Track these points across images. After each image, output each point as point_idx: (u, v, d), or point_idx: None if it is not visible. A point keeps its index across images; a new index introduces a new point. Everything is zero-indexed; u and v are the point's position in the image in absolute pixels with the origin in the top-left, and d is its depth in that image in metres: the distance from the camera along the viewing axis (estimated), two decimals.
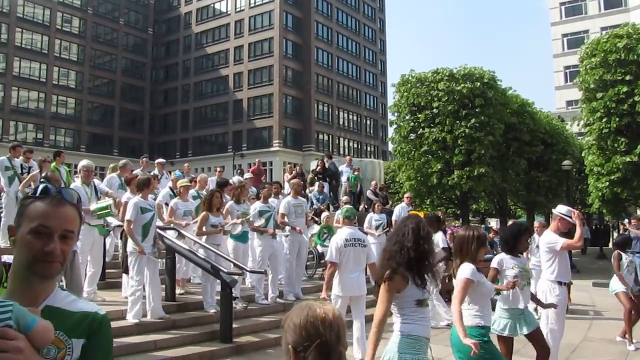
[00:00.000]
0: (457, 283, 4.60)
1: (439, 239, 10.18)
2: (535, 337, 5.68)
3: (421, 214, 3.62)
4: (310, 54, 64.84)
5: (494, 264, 5.76)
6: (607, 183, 20.90)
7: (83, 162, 9.03)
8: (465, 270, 4.59)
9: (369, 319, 8.58)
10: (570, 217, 6.73)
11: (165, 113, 72.95)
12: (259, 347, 8.12)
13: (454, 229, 20.74)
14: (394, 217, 14.08)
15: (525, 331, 5.57)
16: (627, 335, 8.73)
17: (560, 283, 6.61)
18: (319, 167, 20.18)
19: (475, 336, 4.35)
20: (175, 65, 72.77)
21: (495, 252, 15.82)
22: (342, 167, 20.55)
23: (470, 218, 31.78)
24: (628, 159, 20.04)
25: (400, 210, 14.30)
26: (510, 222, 15.26)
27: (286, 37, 63.54)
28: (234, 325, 8.11)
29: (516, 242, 5.76)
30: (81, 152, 56.70)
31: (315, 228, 13.45)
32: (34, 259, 1.69)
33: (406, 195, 15.66)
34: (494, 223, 43.81)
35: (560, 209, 6.90)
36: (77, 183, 8.86)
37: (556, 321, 6.53)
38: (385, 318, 3.46)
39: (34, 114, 59.22)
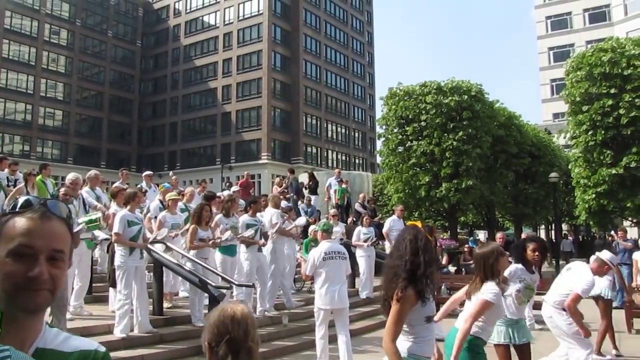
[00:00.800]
0: (478, 302, 4.47)
1: None
2: (523, 352, 5.62)
3: (418, 224, 3.56)
4: (298, 66, 65.01)
5: (505, 272, 5.69)
6: (594, 195, 21.05)
7: (70, 176, 8.98)
8: (490, 291, 4.46)
9: (351, 333, 8.61)
10: (613, 265, 6.76)
11: (154, 125, 72.73)
12: None
13: (443, 242, 20.83)
14: (385, 230, 14.07)
15: (517, 340, 5.51)
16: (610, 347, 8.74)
17: (564, 309, 6.38)
18: (308, 181, 20.29)
19: (468, 343, 4.37)
20: (163, 77, 72.67)
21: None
22: (331, 180, 20.59)
23: (458, 230, 31.87)
24: (614, 171, 20.22)
25: (391, 222, 14.29)
26: (498, 235, 15.32)
27: (275, 50, 63.68)
28: None
29: (522, 251, 5.77)
30: (68, 164, 56.41)
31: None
32: (15, 288, 1.36)
33: (398, 207, 15.64)
34: (482, 235, 43.97)
35: (607, 255, 6.85)
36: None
37: (581, 342, 6.34)
38: (397, 337, 3.28)
39: (21, 126, 58.87)
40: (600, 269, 6.64)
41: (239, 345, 2.07)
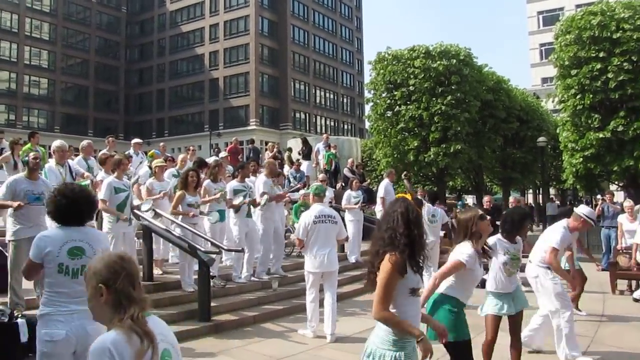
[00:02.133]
0: (450, 261, 4.58)
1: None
2: (514, 322, 5.71)
3: (408, 196, 3.56)
4: (286, 31, 64.40)
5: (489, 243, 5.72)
6: (581, 159, 21.15)
7: (56, 143, 8.90)
8: (463, 252, 4.54)
9: (340, 296, 8.70)
10: (593, 220, 6.73)
11: (141, 93, 72.11)
12: (237, 325, 8.15)
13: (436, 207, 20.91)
14: (381, 194, 14.01)
15: (512, 311, 5.61)
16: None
17: (549, 268, 6.57)
18: (301, 146, 20.30)
19: (445, 304, 4.42)
20: (150, 44, 71.81)
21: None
22: (319, 145, 20.55)
23: (447, 195, 32.04)
24: (601, 135, 20.29)
25: (385, 185, 14.21)
26: (485, 198, 15.40)
27: (262, 15, 62.99)
28: (212, 304, 8.13)
29: (519, 226, 5.75)
30: (55, 133, 55.94)
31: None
32: None
33: (391, 171, 15.56)
34: (470, 200, 44.29)
35: (584, 210, 6.79)
36: (51, 164, 8.73)
37: (562, 303, 6.51)
38: (388, 306, 3.22)
39: (6, 95, 58.14)
40: (576, 224, 6.68)
41: (134, 280, 2.36)
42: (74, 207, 3.77)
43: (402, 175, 19.22)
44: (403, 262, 3.23)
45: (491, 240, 5.65)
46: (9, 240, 6.77)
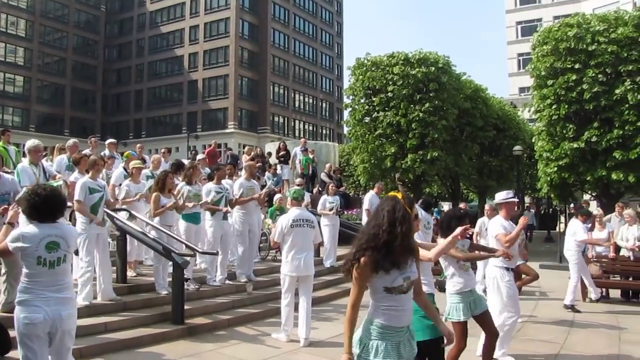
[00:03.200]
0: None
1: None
2: (484, 319, 5.82)
3: (399, 195, 3.57)
4: (266, 35, 64.39)
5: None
6: (556, 168, 21.36)
7: (30, 142, 8.79)
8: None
9: (315, 301, 8.71)
10: (513, 197, 6.96)
11: (118, 93, 71.55)
12: (210, 329, 8.13)
13: None
14: (365, 206, 14.05)
15: (476, 311, 5.74)
16: None
17: (507, 269, 6.79)
18: (281, 151, 20.30)
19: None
20: (128, 44, 71.31)
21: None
22: (296, 149, 20.59)
23: (432, 202, 32.19)
24: (575, 145, 20.52)
25: (370, 197, 14.25)
26: (461, 205, 15.53)
27: (242, 18, 62.89)
28: (186, 307, 8.10)
29: (449, 227, 5.70)
30: (30, 131, 55.24)
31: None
32: None
33: (378, 184, 15.60)
34: (446, 207, 44.52)
35: (500, 196, 7.06)
36: (24, 163, 8.61)
37: (512, 306, 6.71)
38: (358, 301, 3.34)
39: None
40: (504, 211, 6.90)
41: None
42: (46, 205, 4.21)
43: (397, 179, 19.34)
44: (373, 262, 3.28)
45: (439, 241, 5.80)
46: None
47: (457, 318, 5.68)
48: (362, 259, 3.30)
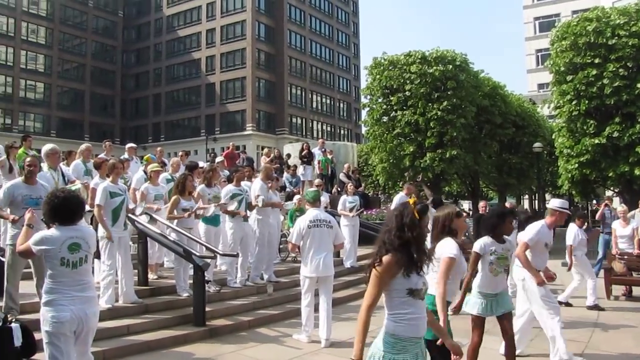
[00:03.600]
0: (442, 262, 4.63)
1: None
2: (504, 321, 5.70)
3: (410, 201, 3.58)
4: (283, 36, 64.48)
5: (476, 248, 5.72)
6: (577, 165, 21.15)
7: (47, 147, 8.89)
8: (450, 248, 4.65)
9: (335, 301, 8.68)
10: (566, 209, 6.75)
11: (137, 97, 72.09)
12: (232, 330, 8.14)
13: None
14: (392, 208, 13.94)
15: (497, 312, 5.64)
16: None
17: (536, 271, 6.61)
18: (304, 151, 20.26)
19: (431, 304, 4.48)
20: (146, 48, 71.81)
21: (467, 234, 15.94)
22: (314, 150, 20.57)
23: (443, 200, 32.07)
24: (597, 141, 20.29)
25: (399, 199, 14.12)
26: (480, 204, 15.40)
27: (258, 20, 63.04)
28: (207, 309, 8.11)
29: (500, 222, 5.71)
30: (51, 137, 55.77)
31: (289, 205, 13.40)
32: None
33: (406, 185, 15.45)
34: (466, 205, 44.30)
35: (555, 202, 6.85)
36: (44, 168, 8.67)
37: (550, 306, 6.52)
38: (374, 304, 3.27)
39: (2, 99, 58.11)
40: (553, 218, 6.71)
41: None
42: (66, 208, 4.38)
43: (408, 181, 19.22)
44: (397, 263, 3.26)
45: (479, 243, 5.72)
46: (7, 245, 6.73)
47: (469, 311, 5.66)
48: (387, 258, 3.27)
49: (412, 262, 3.32)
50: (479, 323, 5.64)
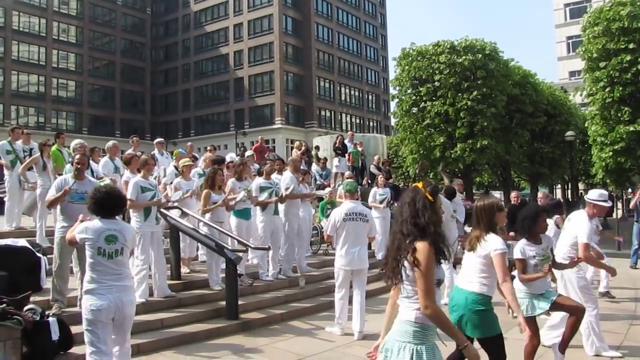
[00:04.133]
0: (496, 258, 4.42)
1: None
2: (561, 303, 5.57)
3: (419, 185, 3.44)
4: (310, 29, 64.37)
5: (517, 254, 5.57)
6: (611, 153, 20.80)
7: (75, 142, 9.02)
8: (497, 243, 4.46)
9: (368, 294, 8.63)
10: (605, 202, 6.57)
11: (166, 93, 72.69)
12: (264, 323, 8.16)
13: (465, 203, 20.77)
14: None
15: (544, 306, 5.49)
16: None
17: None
18: (337, 144, 20.18)
19: (476, 303, 4.38)
20: (174, 44, 72.31)
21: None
22: (346, 142, 20.53)
23: (474, 191, 31.80)
24: (632, 129, 19.92)
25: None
26: (512, 194, 15.18)
27: (286, 14, 63.03)
28: (240, 302, 8.14)
29: (534, 223, 5.58)
30: (83, 134, 56.61)
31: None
32: None
33: (457, 181, 15.24)
34: (498, 195, 43.84)
35: (594, 194, 6.69)
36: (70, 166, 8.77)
37: (588, 299, 6.41)
38: (433, 295, 3.10)
39: (35, 98, 59.05)
40: (592, 211, 6.57)
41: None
42: (107, 202, 4.80)
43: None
44: (430, 249, 3.12)
45: (519, 248, 5.59)
46: (56, 235, 6.92)
47: (525, 313, 5.39)
48: (423, 245, 3.12)
49: (440, 249, 3.18)
50: (532, 323, 5.44)
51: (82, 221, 4.99)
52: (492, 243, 4.50)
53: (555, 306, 5.58)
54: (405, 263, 3.18)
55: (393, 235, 3.35)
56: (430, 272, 3.09)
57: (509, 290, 4.43)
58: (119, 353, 4.81)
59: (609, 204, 6.69)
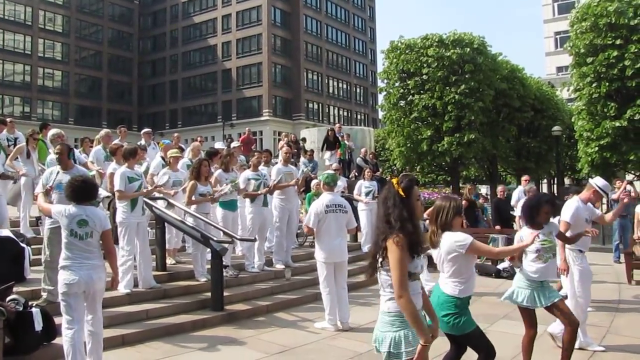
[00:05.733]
0: (470, 247, 4.35)
1: None
2: (560, 309, 5.40)
3: (394, 181, 3.39)
4: (299, 21, 64.22)
5: (518, 241, 5.48)
6: (597, 148, 20.94)
7: (52, 131, 8.99)
8: (465, 235, 4.40)
9: (353, 286, 8.64)
10: (607, 193, 6.66)
11: (154, 84, 72.31)
12: (250, 315, 8.15)
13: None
14: (513, 202, 13.52)
15: (544, 303, 5.32)
16: None
17: (580, 251, 6.59)
18: (331, 137, 20.07)
19: (447, 306, 4.32)
20: (162, 35, 71.91)
21: (485, 218, 15.76)
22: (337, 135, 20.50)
23: (460, 185, 31.93)
24: (617, 124, 20.06)
25: (518, 194, 13.65)
26: (499, 188, 15.25)
27: (274, 5, 62.81)
28: (225, 294, 8.12)
29: (535, 213, 5.50)
30: (69, 124, 56.33)
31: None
32: None
33: (524, 178, 15.04)
34: (484, 189, 44.02)
35: (597, 182, 6.70)
36: (52, 155, 8.68)
37: (582, 292, 6.47)
38: (406, 288, 3.18)
39: (21, 87, 58.58)
40: (588, 194, 6.65)
41: None
42: (84, 190, 5.42)
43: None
44: (403, 242, 3.20)
45: (519, 235, 5.55)
46: (48, 228, 6.82)
47: (519, 302, 5.37)
48: (393, 240, 3.20)
49: (414, 242, 3.25)
50: (529, 314, 5.40)
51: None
52: (455, 239, 4.41)
53: (554, 307, 5.40)
54: (380, 258, 3.30)
55: (375, 232, 3.42)
56: (400, 265, 3.18)
57: (507, 249, 4.55)
58: (92, 321, 5.41)
59: (605, 193, 6.81)
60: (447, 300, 4.37)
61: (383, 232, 3.30)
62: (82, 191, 5.40)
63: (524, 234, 5.46)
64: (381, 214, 3.37)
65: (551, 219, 5.70)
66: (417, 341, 3.19)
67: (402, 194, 3.35)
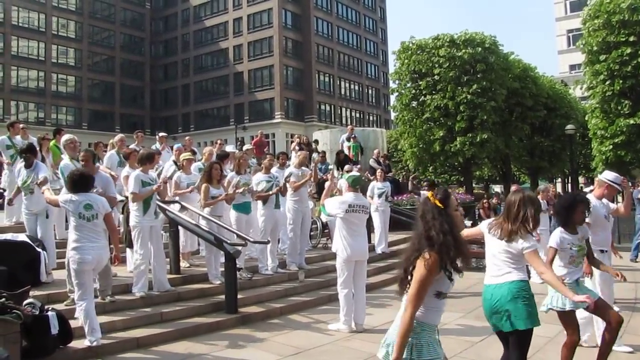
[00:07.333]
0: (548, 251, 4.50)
1: None
2: (599, 308, 5.30)
3: (429, 194, 3.34)
4: (309, 23, 64.26)
5: (552, 242, 5.42)
6: (611, 146, 20.80)
7: (65, 137, 9.02)
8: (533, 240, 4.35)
9: (367, 287, 8.62)
10: (619, 185, 6.54)
11: (166, 88, 72.65)
12: (264, 317, 8.16)
13: (458, 196, 20.77)
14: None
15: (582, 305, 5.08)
16: None
17: (601, 251, 6.44)
18: (341, 158, 20.04)
19: (518, 290, 4.25)
20: (174, 39, 72.24)
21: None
22: (343, 137, 20.50)
23: (474, 184, 31.82)
24: (632, 122, 19.92)
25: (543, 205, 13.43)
26: (513, 187, 15.15)
27: (285, 8, 62.91)
28: (239, 296, 8.14)
29: (570, 214, 5.40)
30: (83, 129, 56.66)
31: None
32: None
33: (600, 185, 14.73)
34: (498, 189, 43.85)
35: (607, 175, 6.62)
36: (65, 160, 8.72)
37: (605, 292, 6.35)
38: (418, 307, 3.15)
39: (35, 93, 59.08)
40: (601, 190, 6.56)
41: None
42: (83, 180, 6.34)
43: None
44: (437, 262, 3.13)
45: (554, 236, 5.46)
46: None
47: (560, 307, 5.20)
48: (425, 261, 3.14)
49: (451, 259, 3.19)
50: (571, 318, 5.27)
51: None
52: (529, 240, 4.35)
53: (597, 306, 5.26)
54: (409, 276, 3.23)
55: (409, 247, 3.36)
56: (420, 285, 3.12)
57: (555, 279, 4.47)
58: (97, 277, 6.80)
59: (619, 187, 6.68)
60: (519, 286, 4.28)
61: (418, 248, 3.23)
62: (80, 182, 6.30)
63: (561, 237, 5.41)
64: (420, 230, 3.28)
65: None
66: (437, 352, 3.18)
67: (439, 205, 3.29)
